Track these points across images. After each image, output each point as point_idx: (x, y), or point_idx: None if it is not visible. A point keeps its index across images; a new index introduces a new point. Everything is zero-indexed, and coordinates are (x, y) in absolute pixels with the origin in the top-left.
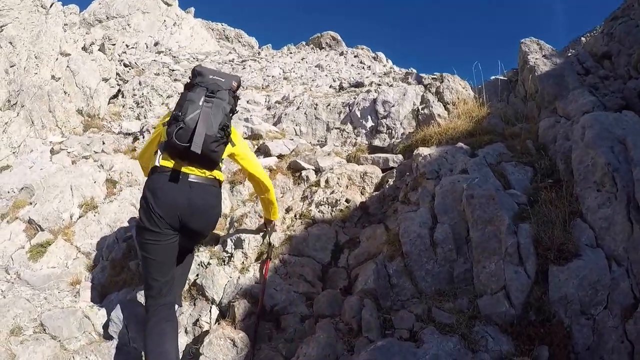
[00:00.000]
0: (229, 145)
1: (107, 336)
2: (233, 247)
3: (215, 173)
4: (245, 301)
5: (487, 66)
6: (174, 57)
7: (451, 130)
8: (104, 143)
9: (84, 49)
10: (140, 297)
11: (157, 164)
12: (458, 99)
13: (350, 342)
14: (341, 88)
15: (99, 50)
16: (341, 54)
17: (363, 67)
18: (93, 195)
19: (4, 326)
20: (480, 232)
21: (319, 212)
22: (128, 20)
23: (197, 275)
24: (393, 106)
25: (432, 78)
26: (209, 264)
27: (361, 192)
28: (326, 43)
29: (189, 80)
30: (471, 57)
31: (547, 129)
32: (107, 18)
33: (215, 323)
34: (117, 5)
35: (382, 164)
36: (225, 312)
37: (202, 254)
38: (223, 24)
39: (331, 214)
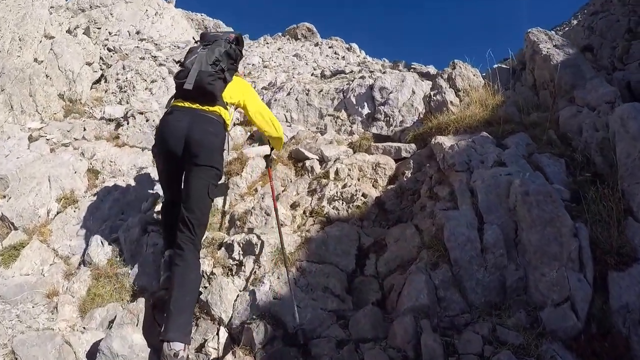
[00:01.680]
0: (229, 84)
1: None
2: (241, 252)
3: (219, 109)
4: (264, 323)
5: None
6: (156, 44)
7: (468, 118)
8: (85, 129)
9: (69, 32)
10: (132, 316)
11: (172, 105)
12: (469, 86)
13: None
14: (323, 76)
15: (83, 33)
16: (316, 44)
17: (338, 58)
18: (73, 188)
19: None
20: (539, 234)
21: (333, 209)
22: (111, 10)
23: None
24: (391, 92)
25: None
26: (212, 274)
27: (373, 185)
28: (302, 34)
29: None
30: (435, 51)
31: (569, 118)
32: (91, 7)
33: (226, 351)
34: None
35: (394, 153)
36: (236, 336)
37: (203, 262)
38: (202, 14)
39: (347, 211)
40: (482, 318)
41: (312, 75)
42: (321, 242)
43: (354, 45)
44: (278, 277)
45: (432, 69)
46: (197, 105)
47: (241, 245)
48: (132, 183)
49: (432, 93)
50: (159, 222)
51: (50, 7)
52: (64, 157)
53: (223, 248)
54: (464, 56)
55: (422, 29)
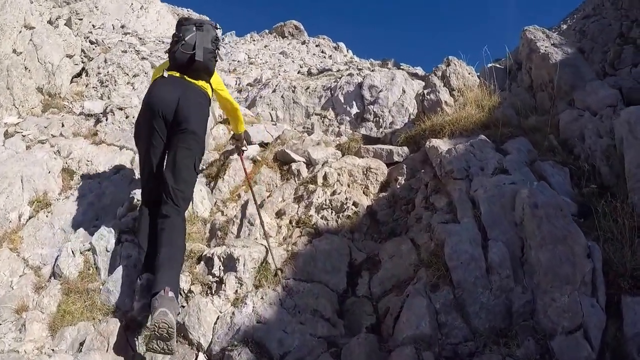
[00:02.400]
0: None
1: None
2: (222, 268)
3: (207, 86)
4: (247, 350)
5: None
6: (140, 38)
7: (464, 119)
8: (63, 125)
9: (50, 22)
10: (103, 339)
11: (165, 75)
12: (464, 85)
13: None
14: (310, 74)
15: (65, 25)
16: (303, 42)
17: (325, 56)
18: (46, 189)
19: None
20: (550, 253)
21: (321, 218)
22: (96, 3)
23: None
24: (381, 91)
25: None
26: (190, 292)
27: (364, 192)
28: (289, 32)
29: (176, 27)
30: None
31: (570, 122)
32: (76, 0)
33: None
34: None
35: (386, 157)
36: None
37: (180, 278)
38: (188, 9)
39: (337, 221)
40: (488, 347)
41: (298, 72)
42: (309, 258)
43: (341, 45)
44: (262, 298)
45: (420, 70)
46: (189, 78)
47: (222, 259)
48: (108, 185)
49: (425, 92)
50: (134, 230)
51: None
52: (38, 155)
53: (202, 262)
54: (459, 52)
55: (412, 27)
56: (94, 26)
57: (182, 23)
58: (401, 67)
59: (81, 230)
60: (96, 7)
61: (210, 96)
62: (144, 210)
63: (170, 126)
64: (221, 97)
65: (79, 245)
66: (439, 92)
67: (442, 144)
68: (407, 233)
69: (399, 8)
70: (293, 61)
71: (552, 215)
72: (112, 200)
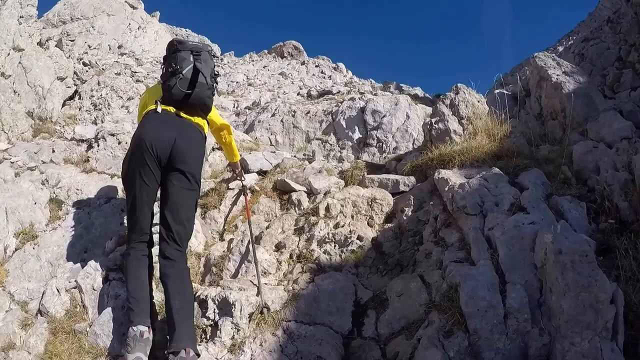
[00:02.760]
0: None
1: None
2: (217, 312)
3: (202, 122)
4: None
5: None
6: (137, 59)
7: (474, 149)
8: (53, 151)
9: (40, 44)
10: None
11: (158, 110)
12: (474, 113)
13: None
14: (310, 96)
15: (55, 46)
16: (303, 63)
17: (324, 77)
18: (32, 221)
19: None
20: (573, 300)
21: (324, 253)
22: (92, 23)
23: None
24: (384, 116)
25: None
26: None
27: (369, 223)
28: (288, 52)
29: (169, 51)
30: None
31: (584, 154)
32: (72, 19)
33: None
34: (82, 6)
35: (391, 187)
36: None
37: None
38: (187, 29)
39: (340, 256)
40: None
41: (298, 94)
42: (312, 299)
43: (341, 65)
44: (261, 344)
45: (419, 91)
46: (185, 114)
47: (216, 302)
48: (98, 216)
49: (433, 120)
50: (121, 268)
51: (20, 17)
52: (24, 186)
53: (196, 303)
54: (469, 80)
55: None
56: (89, 46)
57: (177, 48)
58: (402, 88)
59: (68, 264)
60: (93, 27)
61: (206, 133)
62: (132, 256)
63: (164, 166)
64: (216, 128)
65: (65, 282)
66: (447, 121)
67: (452, 176)
68: (415, 268)
69: (396, 19)
70: (292, 82)
71: (577, 262)
72: (102, 232)
